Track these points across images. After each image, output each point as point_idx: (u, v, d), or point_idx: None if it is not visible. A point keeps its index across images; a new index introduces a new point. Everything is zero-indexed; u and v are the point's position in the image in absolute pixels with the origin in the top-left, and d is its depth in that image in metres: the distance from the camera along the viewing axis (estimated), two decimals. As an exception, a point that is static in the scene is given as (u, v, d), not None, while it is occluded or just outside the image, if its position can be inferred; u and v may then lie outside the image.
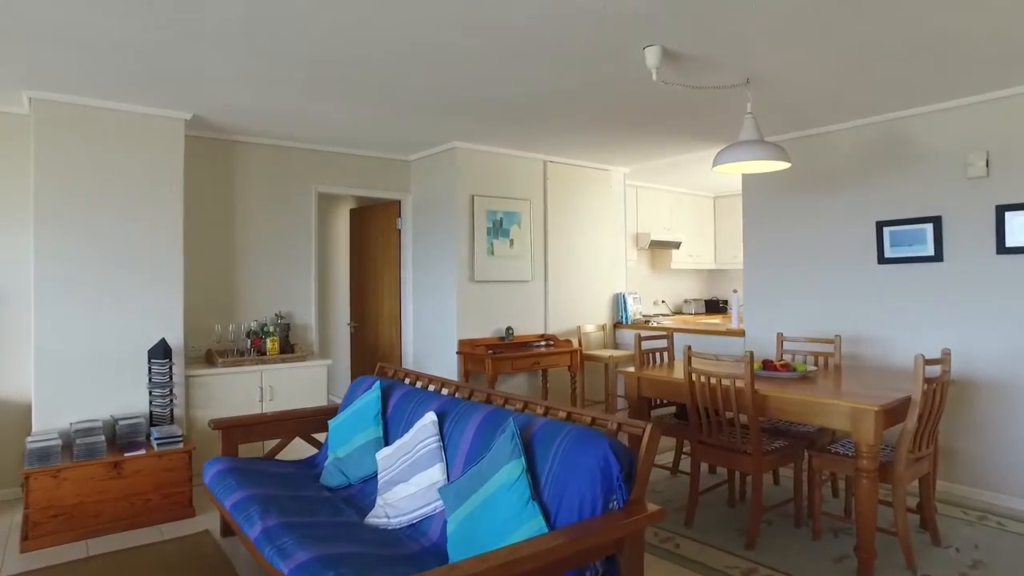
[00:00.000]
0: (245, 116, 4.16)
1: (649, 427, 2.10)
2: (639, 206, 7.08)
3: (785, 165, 3.38)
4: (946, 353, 3.12)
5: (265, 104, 3.88)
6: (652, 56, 2.93)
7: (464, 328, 5.03)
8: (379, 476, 2.83)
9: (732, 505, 3.70)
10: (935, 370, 3.23)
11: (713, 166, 3.42)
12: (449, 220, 5.13)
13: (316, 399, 4.59)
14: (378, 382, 3.39)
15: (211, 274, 4.66)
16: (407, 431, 2.91)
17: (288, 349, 4.72)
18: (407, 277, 5.63)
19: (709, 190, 7.68)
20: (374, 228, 6.02)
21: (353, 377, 6.35)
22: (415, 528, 2.54)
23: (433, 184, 5.37)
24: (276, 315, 4.81)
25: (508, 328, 5.20)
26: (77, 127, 3.74)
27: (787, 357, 4.32)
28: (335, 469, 3.11)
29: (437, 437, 2.71)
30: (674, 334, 5.45)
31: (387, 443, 3.08)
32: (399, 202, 5.68)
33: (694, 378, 3.30)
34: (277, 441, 3.56)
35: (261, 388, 4.39)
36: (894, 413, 2.84)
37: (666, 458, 4.67)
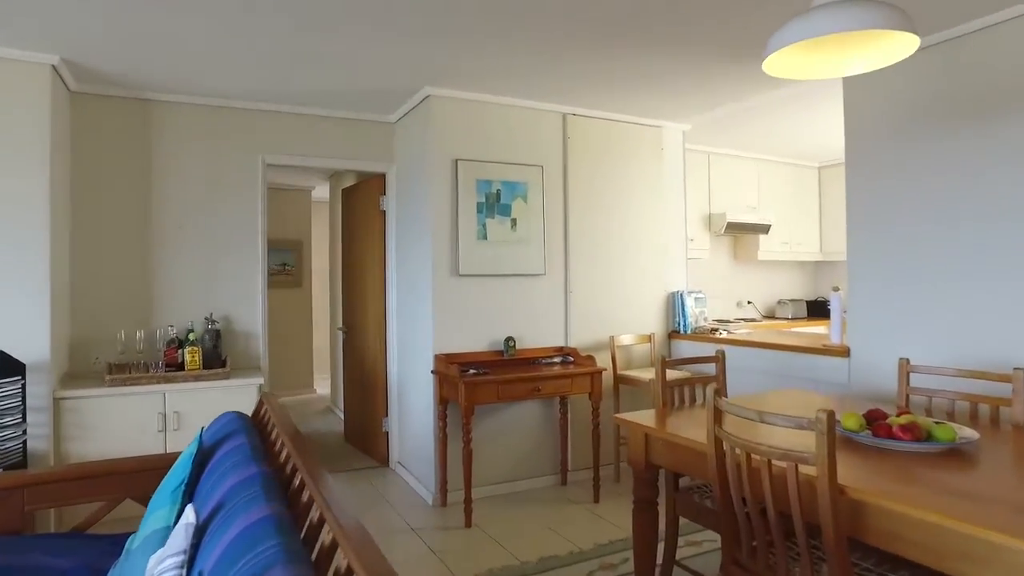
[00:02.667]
0: (147, 62, 3.11)
1: None
2: (712, 178, 5.45)
3: (910, 44, 1.81)
4: None
5: (140, 29, 2.79)
6: None
7: (444, 338, 3.74)
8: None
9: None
10: None
11: (764, 59, 1.90)
12: (422, 193, 3.86)
13: (239, 431, 3.48)
14: (232, 419, 2.21)
15: (120, 268, 3.69)
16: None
17: (216, 363, 3.66)
18: (391, 270, 4.42)
19: (812, 158, 5.88)
20: (359, 209, 4.87)
21: (347, 401, 5.24)
22: None
23: (410, 148, 4.12)
24: (206, 319, 3.76)
25: (509, 340, 3.85)
26: None
27: (917, 401, 2.65)
28: (117, 572, 1.94)
29: (182, 556, 1.44)
30: (732, 350, 3.86)
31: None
32: (384, 176, 4.49)
33: (725, 448, 1.81)
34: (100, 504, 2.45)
35: (164, 414, 3.34)
36: None
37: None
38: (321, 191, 7.37)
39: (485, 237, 3.85)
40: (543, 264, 4.04)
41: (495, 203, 3.90)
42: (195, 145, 3.85)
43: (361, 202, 4.82)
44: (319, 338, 7.74)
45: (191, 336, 3.58)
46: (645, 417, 2.37)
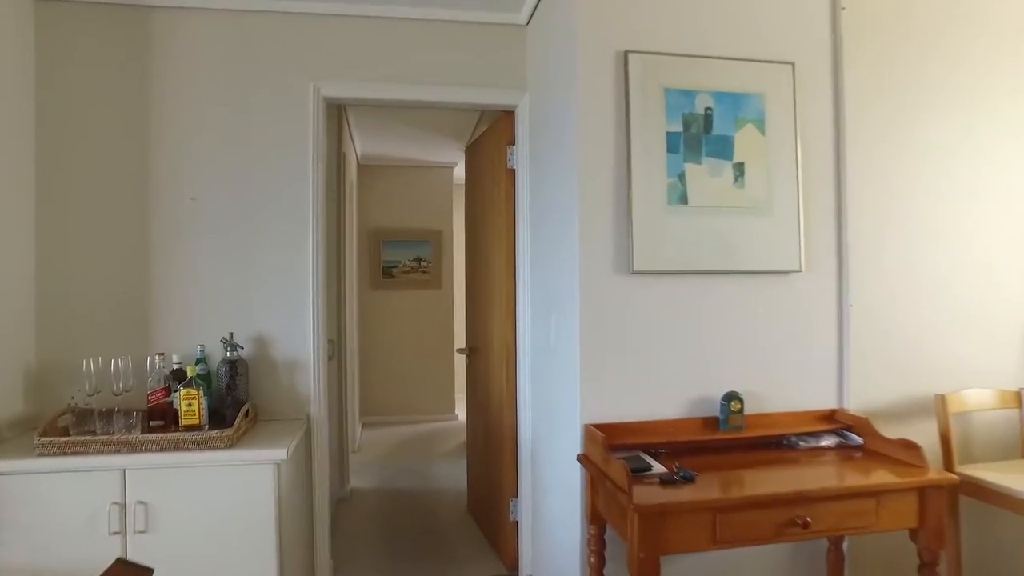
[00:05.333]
0: None
1: None
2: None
3: None
4: None
5: None
6: None
7: (600, 394, 1.96)
8: None
9: None
10: None
11: None
12: (566, 125, 2.10)
13: (250, 542, 2.03)
14: None
15: (105, 262, 2.43)
16: None
17: (229, 411, 2.26)
18: (523, 266, 2.73)
19: None
20: (482, 173, 3.25)
21: (470, 458, 3.67)
22: None
23: (549, 57, 2.39)
24: (224, 341, 2.37)
25: (731, 398, 1.96)
26: None
27: None
28: None
29: None
30: None
31: None
32: (512, 115, 2.81)
33: None
34: None
35: (123, 505, 1.98)
36: None
37: None
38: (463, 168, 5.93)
39: (683, 199, 2.00)
40: (797, 252, 2.08)
41: (702, 134, 2.02)
42: (214, 72, 2.48)
43: (483, 161, 3.20)
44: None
45: (191, 371, 2.20)
46: None
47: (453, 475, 4.29)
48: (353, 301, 5.00)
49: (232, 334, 2.40)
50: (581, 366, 1.95)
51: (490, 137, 3.06)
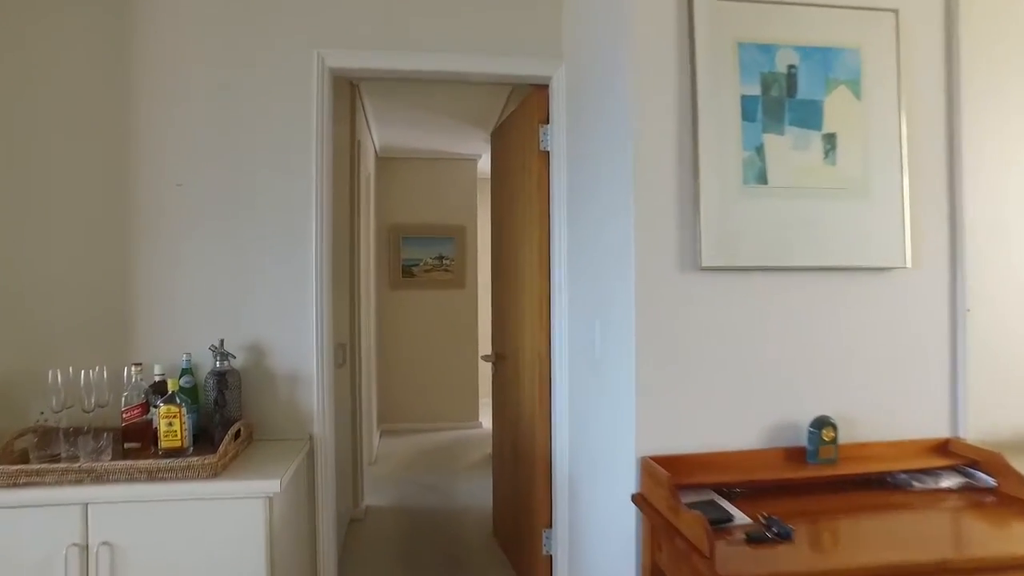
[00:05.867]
0: None
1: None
2: None
3: None
4: None
5: None
6: None
7: (658, 420, 1.59)
8: None
9: None
10: None
11: None
12: (613, 93, 1.72)
13: (227, 591, 1.69)
14: None
15: (77, 257, 2.12)
16: None
17: (217, 431, 1.94)
18: (559, 263, 2.36)
19: None
20: (511, 158, 2.89)
21: (496, 475, 3.31)
22: None
23: (590, 15, 2.01)
24: (213, 349, 2.05)
25: (821, 424, 1.57)
26: None
27: None
28: None
29: None
30: None
31: None
32: (546, 88, 2.44)
33: None
34: None
35: (84, 548, 1.66)
36: None
37: None
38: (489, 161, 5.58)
39: (761, 177, 1.61)
40: (901, 245, 1.68)
41: (784, 98, 1.63)
42: (203, 37, 2.15)
43: (512, 144, 2.84)
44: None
45: (172, 384, 1.88)
46: None
47: (477, 492, 3.94)
48: (370, 302, 4.68)
49: (223, 341, 2.07)
50: (637, 385, 1.58)
51: (520, 116, 2.70)
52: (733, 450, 1.60)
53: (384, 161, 5.55)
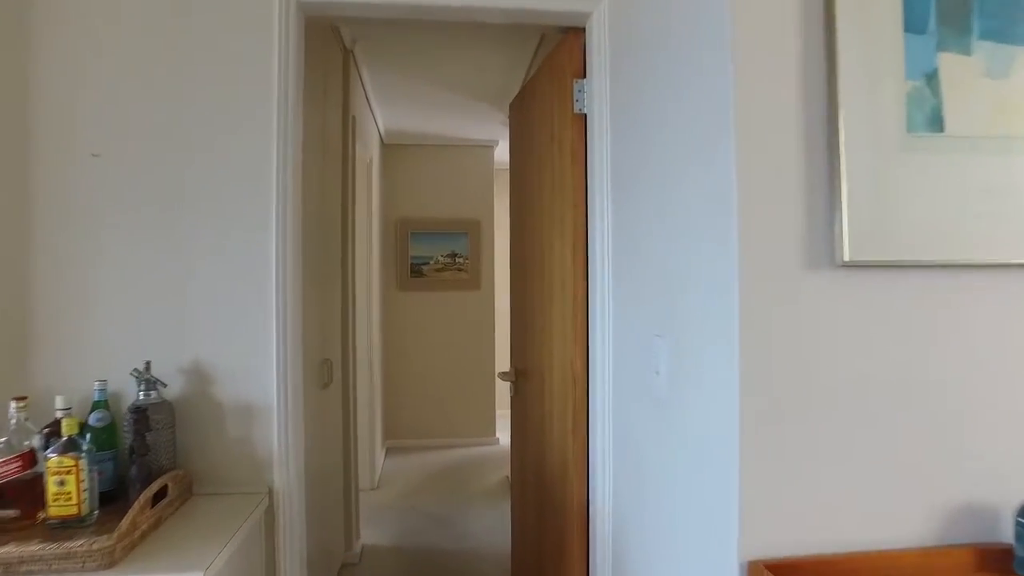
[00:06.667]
0: None
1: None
2: None
3: None
4: None
5: None
6: None
7: (780, 497, 1.01)
8: None
9: None
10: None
11: None
12: (695, 13, 1.16)
13: None
14: None
15: (-41, 248, 1.59)
16: None
17: (134, 484, 1.40)
18: (601, 259, 1.78)
19: None
20: (537, 125, 2.31)
21: (515, 520, 2.75)
22: None
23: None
24: (136, 374, 1.51)
25: (1025, 506, 0.99)
26: None
27: None
28: None
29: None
30: None
31: None
32: (581, 32, 1.87)
33: None
34: None
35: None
36: None
37: None
38: (506, 148, 5.01)
39: (934, 122, 1.03)
40: None
41: (971, 3, 1.05)
42: (133, -41, 1.62)
43: (536, 109, 2.27)
44: (504, 363, 5.40)
45: (68, 426, 1.36)
46: None
47: (494, 527, 3.39)
48: (374, 304, 4.15)
49: (149, 364, 1.53)
50: (741, 446, 1.00)
51: (546, 74, 2.14)
52: (888, 549, 1.03)
53: (390, 148, 5.02)
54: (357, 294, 3.29)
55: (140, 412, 1.45)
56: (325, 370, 2.52)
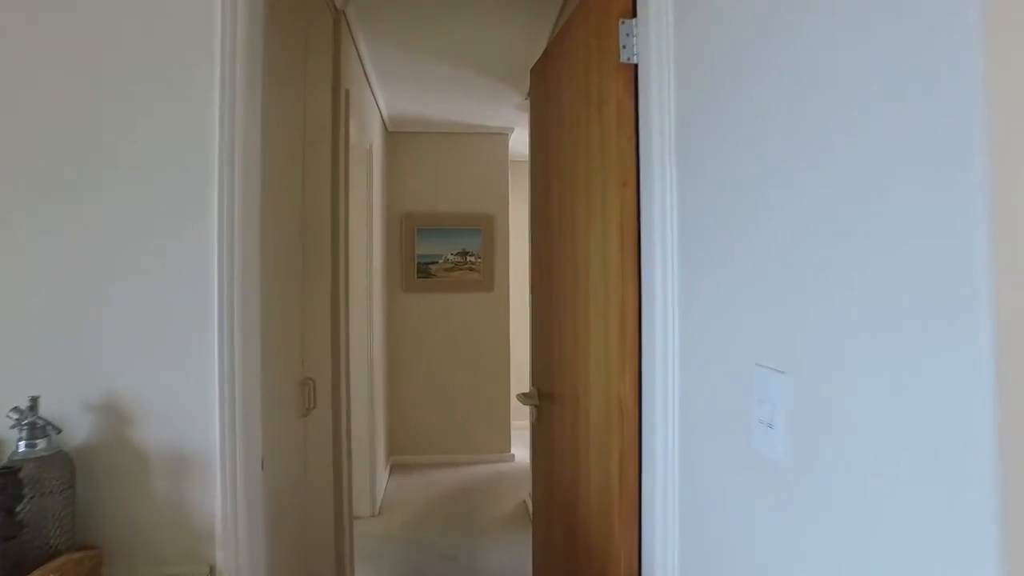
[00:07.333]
0: None
1: None
2: None
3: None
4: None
5: None
6: None
7: None
8: None
9: None
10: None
11: None
12: None
13: None
14: None
15: None
16: None
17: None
18: (661, 256, 1.32)
19: None
20: (568, 86, 1.85)
21: (536, 569, 2.29)
22: None
23: None
24: (17, 415, 1.08)
25: None
26: None
27: None
28: None
29: None
30: None
31: None
32: (631, -42, 1.41)
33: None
34: None
35: None
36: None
37: None
38: (522, 137, 4.56)
39: None
40: None
41: None
42: None
43: (566, 67, 1.81)
44: (520, 372, 4.94)
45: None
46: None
47: (512, 566, 2.94)
48: (375, 308, 3.72)
49: (35, 401, 1.10)
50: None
51: (580, 17, 1.68)
52: None
53: (394, 136, 4.59)
54: (352, 299, 2.86)
55: (7, 476, 1.01)
56: (306, 393, 2.08)
